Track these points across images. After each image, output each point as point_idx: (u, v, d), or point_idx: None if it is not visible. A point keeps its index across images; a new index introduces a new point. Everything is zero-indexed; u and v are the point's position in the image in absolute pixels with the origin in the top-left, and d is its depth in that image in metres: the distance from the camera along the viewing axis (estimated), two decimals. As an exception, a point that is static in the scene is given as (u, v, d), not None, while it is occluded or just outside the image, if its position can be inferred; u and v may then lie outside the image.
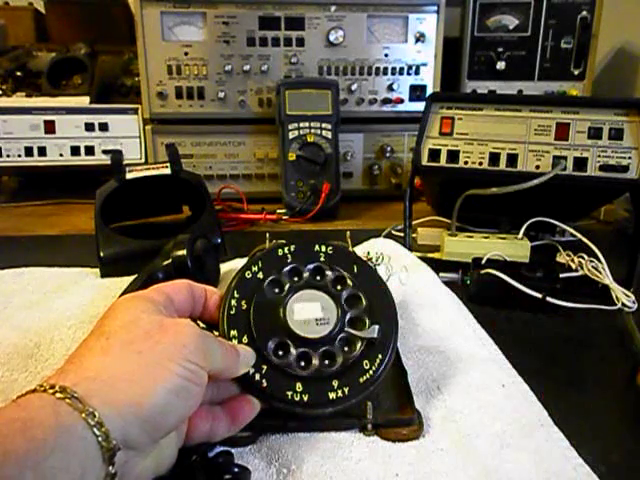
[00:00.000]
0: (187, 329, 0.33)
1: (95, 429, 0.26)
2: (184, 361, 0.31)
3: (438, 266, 0.65)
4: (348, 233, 0.52)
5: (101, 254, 0.65)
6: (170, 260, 0.54)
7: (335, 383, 0.38)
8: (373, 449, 0.37)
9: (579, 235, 0.67)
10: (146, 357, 0.30)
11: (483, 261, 0.62)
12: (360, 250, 0.60)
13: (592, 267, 0.64)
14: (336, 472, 0.35)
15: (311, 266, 0.43)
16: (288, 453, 0.37)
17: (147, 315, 0.33)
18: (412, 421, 0.39)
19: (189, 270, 0.54)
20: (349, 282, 0.43)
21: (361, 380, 0.39)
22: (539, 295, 0.57)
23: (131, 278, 0.55)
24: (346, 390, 0.38)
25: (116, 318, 0.33)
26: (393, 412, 0.40)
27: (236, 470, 0.34)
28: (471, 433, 0.39)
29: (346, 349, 0.40)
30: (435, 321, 0.53)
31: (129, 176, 0.73)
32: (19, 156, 0.95)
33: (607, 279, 0.61)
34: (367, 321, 0.41)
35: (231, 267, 0.64)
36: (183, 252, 0.55)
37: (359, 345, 0.40)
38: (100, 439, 0.26)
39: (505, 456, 0.37)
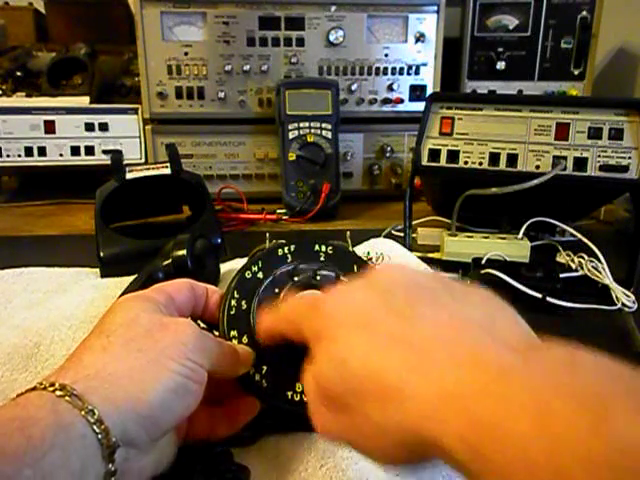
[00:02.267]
0: (187, 328, 0.33)
1: (95, 426, 0.26)
2: (184, 359, 0.31)
3: (438, 266, 0.65)
4: (348, 233, 0.52)
5: (101, 254, 0.65)
6: (170, 260, 0.54)
7: None
8: (373, 449, 0.37)
9: (579, 235, 0.67)
10: (146, 355, 0.30)
11: (483, 261, 0.62)
12: (360, 250, 0.60)
13: (592, 267, 0.64)
14: (336, 472, 0.35)
15: (312, 266, 0.43)
16: (288, 453, 0.37)
17: (147, 314, 0.33)
18: (412, 421, 0.39)
19: (189, 270, 0.54)
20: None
21: None
22: (539, 295, 0.57)
23: (131, 278, 0.55)
24: None
25: (116, 317, 0.33)
26: (393, 412, 0.40)
27: (235, 469, 0.34)
28: (471, 433, 0.39)
29: None
30: (435, 321, 0.53)
31: (129, 176, 0.73)
32: (19, 156, 0.95)
33: (607, 279, 0.61)
34: None
35: (231, 267, 0.64)
36: (183, 252, 0.55)
37: None
38: (100, 436, 0.26)
39: (505, 456, 0.37)
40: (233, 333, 0.39)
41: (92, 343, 0.31)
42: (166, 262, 0.54)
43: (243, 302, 0.41)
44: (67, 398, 0.27)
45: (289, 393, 0.37)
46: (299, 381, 0.38)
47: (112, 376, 0.29)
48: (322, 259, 0.44)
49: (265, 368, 0.38)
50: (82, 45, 1.07)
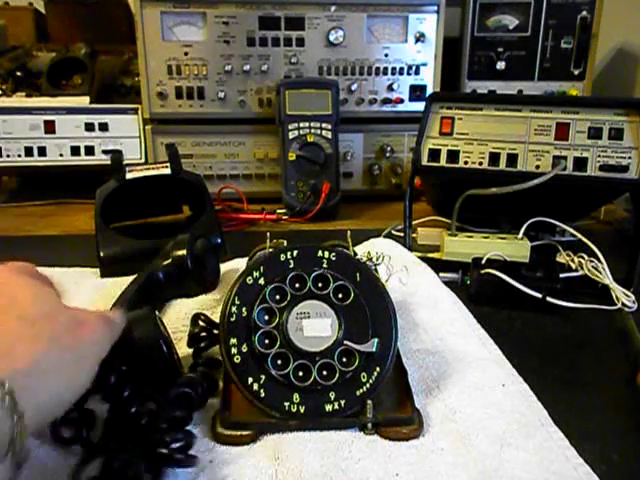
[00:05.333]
0: (98, 328, 0.35)
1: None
2: (99, 359, 0.33)
3: (438, 266, 0.65)
4: (348, 232, 0.52)
5: (101, 254, 0.65)
6: (170, 260, 0.54)
7: (332, 395, 0.39)
8: (373, 449, 0.37)
9: (579, 235, 0.67)
10: (72, 354, 0.32)
11: (483, 261, 0.62)
12: (360, 250, 0.60)
13: (592, 267, 0.64)
14: (336, 472, 0.35)
15: (314, 274, 0.42)
16: (288, 453, 0.37)
17: (62, 306, 0.34)
18: (412, 420, 0.39)
19: (189, 270, 0.54)
20: (351, 292, 0.42)
21: (358, 393, 0.39)
22: (539, 295, 0.57)
23: (131, 278, 0.55)
24: (342, 403, 0.38)
25: (36, 303, 0.32)
26: (393, 411, 0.40)
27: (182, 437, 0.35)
28: (471, 433, 0.39)
29: (344, 361, 0.40)
30: (435, 321, 0.53)
31: (129, 176, 0.73)
32: (19, 156, 0.95)
33: (607, 279, 0.61)
34: (367, 334, 0.40)
35: (231, 267, 0.64)
36: (183, 252, 0.55)
37: (357, 358, 0.39)
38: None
39: (505, 456, 0.37)
40: (232, 341, 0.39)
41: (19, 331, 0.30)
42: (166, 262, 0.55)
43: (244, 309, 0.40)
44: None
45: (286, 404, 0.38)
46: (297, 392, 0.38)
47: (44, 374, 0.29)
48: (325, 265, 0.43)
49: (263, 378, 0.38)
50: (82, 45, 1.07)
